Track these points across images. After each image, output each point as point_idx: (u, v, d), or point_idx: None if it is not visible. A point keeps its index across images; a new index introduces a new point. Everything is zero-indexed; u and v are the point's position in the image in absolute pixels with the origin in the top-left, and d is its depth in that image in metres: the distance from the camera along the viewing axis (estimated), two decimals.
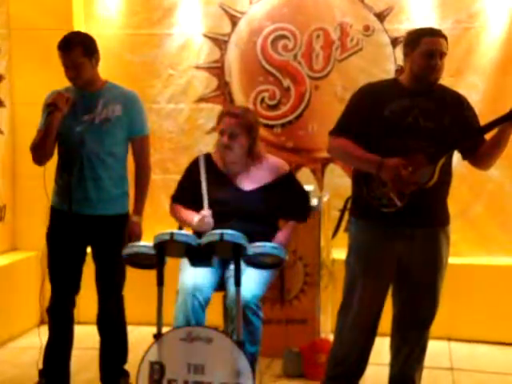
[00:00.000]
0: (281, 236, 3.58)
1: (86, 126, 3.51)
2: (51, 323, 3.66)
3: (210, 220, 3.45)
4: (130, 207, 3.69)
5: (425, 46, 3.19)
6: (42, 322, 3.75)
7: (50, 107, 3.41)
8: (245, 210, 3.52)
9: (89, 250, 3.67)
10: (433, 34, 3.24)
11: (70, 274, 3.58)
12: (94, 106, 3.54)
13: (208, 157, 3.70)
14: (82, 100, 3.53)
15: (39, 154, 3.53)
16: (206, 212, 3.47)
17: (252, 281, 3.34)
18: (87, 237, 3.57)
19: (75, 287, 3.60)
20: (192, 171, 3.69)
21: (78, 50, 3.45)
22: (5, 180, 4.98)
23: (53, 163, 3.61)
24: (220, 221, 3.45)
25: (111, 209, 3.59)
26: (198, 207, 3.55)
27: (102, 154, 3.53)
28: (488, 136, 3.26)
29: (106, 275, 3.64)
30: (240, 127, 3.56)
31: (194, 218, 3.50)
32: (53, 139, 3.49)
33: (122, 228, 3.60)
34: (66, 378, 3.67)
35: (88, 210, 3.51)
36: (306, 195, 3.76)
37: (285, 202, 3.61)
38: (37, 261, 4.83)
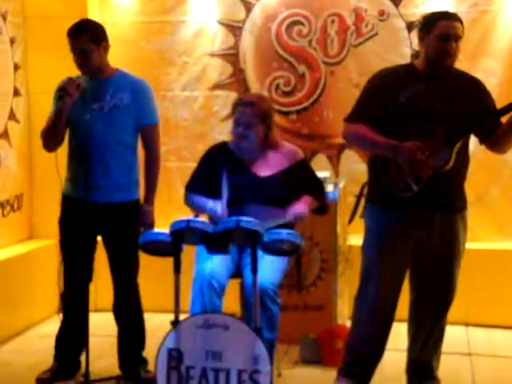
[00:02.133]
0: (297, 205, 3.48)
1: (95, 114, 3.51)
2: (64, 310, 3.71)
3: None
4: (141, 195, 3.70)
5: (440, 30, 3.17)
6: (60, 310, 3.78)
7: (60, 92, 3.42)
8: (261, 195, 3.52)
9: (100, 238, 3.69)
10: (448, 17, 3.22)
11: (82, 262, 3.60)
12: (103, 93, 3.55)
13: (224, 144, 3.70)
14: (92, 88, 3.53)
15: (49, 139, 3.55)
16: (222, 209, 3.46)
17: (270, 268, 3.34)
18: (98, 224, 3.58)
19: (87, 275, 3.60)
20: (207, 160, 3.69)
21: (85, 36, 3.47)
22: (21, 169, 5.01)
23: (64, 151, 3.62)
24: (236, 207, 3.45)
25: (120, 196, 3.60)
26: (212, 196, 3.55)
27: (111, 141, 3.54)
28: (504, 120, 3.23)
29: (119, 263, 3.66)
30: (255, 116, 3.55)
31: (219, 206, 3.47)
32: (63, 125, 3.50)
33: (132, 215, 3.60)
34: (77, 365, 3.71)
35: (98, 197, 3.51)
36: (320, 182, 3.75)
37: (300, 187, 3.59)
38: (54, 249, 4.82)
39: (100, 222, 3.58)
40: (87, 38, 3.47)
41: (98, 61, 3.53)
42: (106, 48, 3.58)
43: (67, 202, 3.66)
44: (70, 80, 3.46)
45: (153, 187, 3.67)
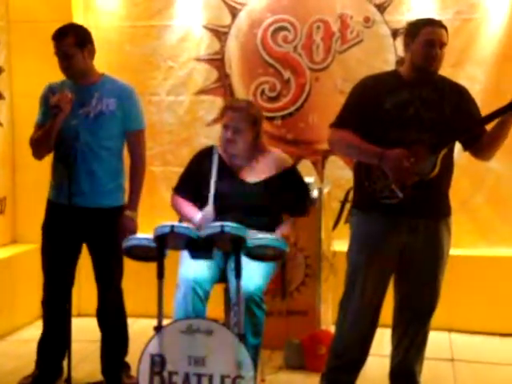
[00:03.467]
0: (280, 231, 3.58)
1: (80, 120, 3.50)
2: (46, 316, 3.69)
3: (211, 219, 3.45)
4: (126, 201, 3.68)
5: (425, 36, 3.19)
6: (41, 315, 3.76)
7: (55, 110, 3.41)
8: (248, 202, 3.52)
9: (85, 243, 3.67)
10: (433, 24, 3.24)
11: (65, 268, 3.58)
12: (89, 99, 3.54)
13: (213, 148, 3.70)
14: (78, 93, 3.52)
15: (39, 150, 3.56)
16: (209, 211, 3.46)
17: (255, 273, 3.34)
18: (82, 230, 3.56)
19: (70, 281, 3.57)
20: (196, 163, 3.69)
21: (69, 40, 3.46)
22: (5, 172, 4.98)
23: (51, 156, 3.62)
24: (223, 213, 3.45)
25: (105, 202, 3.59)
26: (200, 199, 3.55)
27: (96, 147, 3.53)
28: (488, 127, 3.25)
29: (103, 268, 3.65)
30: (244, 121, 3.55)
31: (197, 215, 3.50)
32: (54, 138, 3.50)
33: (117, 221, 3.59)
34: (59, 370, 3.69)
35: (82, 202, 3.49)
36: (307, 190, 3.76)
37: (285, 196, 3.60)
38: (37, 253, 4.77)
39: (85, 227, 3.56)
40: (71, 41, 3.46)
41: (82, 65, 3.52)
42: (91, 52, 3.56)
43: (52, 207, 3.65)
44: (63, 95, 3.43)
45: (137, 193, 3.66)
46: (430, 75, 3.25)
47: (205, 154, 3.69)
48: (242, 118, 3.54)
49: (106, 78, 3.65)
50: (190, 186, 3.65)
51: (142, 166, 3.69)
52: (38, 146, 3.54)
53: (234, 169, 3.63)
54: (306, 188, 3.74)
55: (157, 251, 3.11)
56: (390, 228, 3.26)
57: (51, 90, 3.57)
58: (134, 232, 3.59)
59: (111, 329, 3.71)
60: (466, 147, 3.35)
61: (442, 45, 3.22)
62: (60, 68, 3.53)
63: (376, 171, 3.20)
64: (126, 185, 3.69)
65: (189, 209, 3.59)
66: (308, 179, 4.10)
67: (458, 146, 3.37)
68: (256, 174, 3.61)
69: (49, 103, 3.47)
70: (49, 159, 3.64)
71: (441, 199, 3.33)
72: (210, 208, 3.50)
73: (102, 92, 3.56)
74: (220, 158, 3.65)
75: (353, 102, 3.32)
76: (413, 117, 3.20)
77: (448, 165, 3.28)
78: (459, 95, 3.31)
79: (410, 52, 3.25)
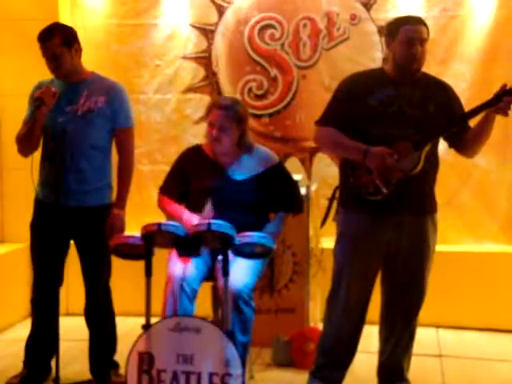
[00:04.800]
0: (271, 227, 3.59)
1: (68, 118, 3.49)
2: (34, 315, 3.69)
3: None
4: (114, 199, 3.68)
5: (404, 35, 3.20)
6: (30, 315, 3.75)
7: (37, 102, 3.40)
8: (235, 199, 3.52)
9: (73, 241, 3.67)
10: (411, 22, 3.25)
11: (53, 267, 3.56)
12: (77, 97, 3.53)
13: (198, 147, 3.70)
14: (66, 91, 3.51)
15: (25, 146, 3.54)
16: (209, 209, 3.46)
17: (243, 271, 3.35)
18: (70, 229, 3.55)
19: (58, 279, 3.55)
20: (181, 163, 3.69)
21: (56, 40, 3.45)
22: None
23: (39, 154, 3.60)
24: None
25: (93, 200, 3.57)
26: (186, 199, 3.55)
27: (84, 145, 3.52)
28: (472, 123, 3.27)
29: (91, 267, 3.64)
30: (229, 119, 3.55)
31: (193, 218, 3.48)
32: (39, 133, 3.48)
33: (105, 219, 3.58)
34: (47, 370, 3.68)
35: (70, 201, 3.48)
36: (296, 186, 3.76)
37: (275, 193, 3.61)
38: (25, 253, 4.76)
39: (72, 225, 3.55)
40: (58, 41, 3.45)
41: (71, 64, 3.51)
42: (78, 50, 3.56)
43: (39, 205, 3.64)
44: (47, 89, 3.42)
45: (125, 191, 3.65)
46: (413, 73, 3.26)
47: (190, 154, 3.69)
48: (227, 116, 3.54)
49: (95, 75, 3.64)
50: (176, 185, 3.64)
51: (131, 164, 3.68)
52: (23, 142, 3.52)
53: (220, 166, 3.63)
54: (295, 184, 3.75)
55: (145, 249, 3.12)
56: (376, 225, 3.27)
57: (40, 88, 3.56)
58: (122, 230, 3.59)
59: (99, 327, 3.70)
60: (450, 144, 3.37)
61: (423, 41, 3.22)
62: (48, 68, 3.52)
63: (361, 168, 3.21)
64: (114, 183, 3.69)
65: (176, 208, 3.58)
66: (296, 176, 4.11)
67: (443, 142, 3.39)
68: (242, 171, 3.61)
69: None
70: (37, 158, 3.62)
71: (426, 195, 3.34)
72: (209, 207, 3.49)
73: (91, 90, 3.55)
74: (206, 156, 3.65)
75: (337, 99, 3.33)
76: (396, 114, 3.21)
77: (433, 161, 3.30)
78: (443, 92, 3.32)
79: (392, 52, 3.26)
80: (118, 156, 3.68)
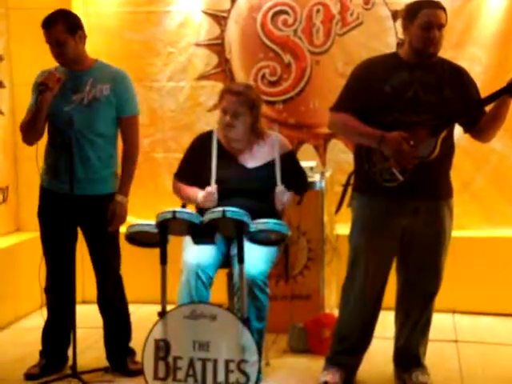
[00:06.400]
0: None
1: (74, 106, 3.49)
2: (49, 303, 3.70)
3: (215, 196, 3.44)
4: None
5: (423, 18, 3.17)
6: (44, 305, 3.77)
7: (41, 87, 3.39)
8: (248, 187, 3.51)
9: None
10: (431, 5, 3.22)
11: (63, 255, 3.57)
12: (82, 85, 3.52)
13: (211, 134, 3.69)
14: (71, 79, 3.51)
15: (29, 133, 3.53)
16: (213, 187, 3.46)
17: (258, 257, 3.35)
18: (76, 217, 3.54)
19: (70, 267, 3.52)
20: (196, 148, 3.68)
21: (59, 26, 3.44)
22: (6, 161, 4.98)
23: (43, 143, 3.60)
24: (223, 198, 3.45)
25: (100, 189, 3.57)
26: (201, 184, 3.55)
27: (91, 134, 3.51)
28: (488, 108, 3.24)
29: (100, 255, 3.64)
30: (242, 105, 3.54)
31: (199, 193, 3.50)
32: (43, 119, 3.48)
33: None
34: (65, 358, 3.70)
35: (77, 189, 3.44)
36: (304, 175, 3.76)
37: (284, 178, 3.59)
38: (40, 241, 4.84)
39: (79, 214, 3.54)
40: (61, 28, 3.43)
41: (75, 51, 3.50)
42: (82, 37, 3.54)
43: (45, 194, 3.64)
44: (50, 74, 3.42)
45: (129, 179, 3.63)
46: (429, 58, 3.23)
47: (204, 139, 3.68)
48: (240, 101, 3.53)
49: (99, 63, 3.63)
50: (190, 171, 3.64)
51: (135, 152, 3.66)
52: (27, 129, 3.52)
53: (233, 153, 3.62)
54: (303, 172, 3.74)
55: (159, 237, 3.12)
56: (391, 211, 3.26)
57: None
58: (124, 217, 3.59)
59: (112, 316, 3.71)
60: (465, 129, 3.35)
61: (441, 26, 3.20)
62: (52, 55, 3.51)
63: (376, 154, 3.20)
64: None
65: (191, 190, 3.58)
66: (310, 163, 4.10)
67: (459, 128, 3.36)
68: (255, 158, 3.61)
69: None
70: (41, 147, 3.61)
71: (442, 181, 3.32)
72: (213, 187, 3.48)
73: (96, 78, 3.54)
74: (219, 142, 3.64)
75: (352, 85, 3.31)
76: (412, 99, 3.19)
77: (448, 147, 3.28)
78: (459, 77, 3.30)
79: (409, 35, 3.24)
80: (122, 144, 3.65)
